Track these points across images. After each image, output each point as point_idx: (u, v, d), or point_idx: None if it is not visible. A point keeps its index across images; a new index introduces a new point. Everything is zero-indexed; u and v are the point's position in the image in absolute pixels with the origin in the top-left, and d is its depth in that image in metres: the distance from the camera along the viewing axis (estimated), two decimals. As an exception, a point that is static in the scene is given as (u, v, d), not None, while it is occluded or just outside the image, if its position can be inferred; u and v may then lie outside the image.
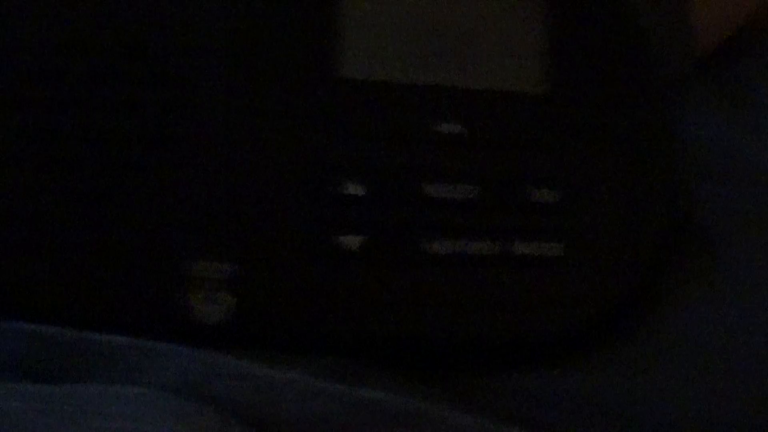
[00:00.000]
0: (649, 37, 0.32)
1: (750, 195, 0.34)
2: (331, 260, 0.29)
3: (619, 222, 0.31)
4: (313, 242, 0.29)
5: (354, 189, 0.29)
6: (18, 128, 0.28)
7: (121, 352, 0.27)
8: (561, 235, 0.30)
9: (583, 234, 0.30)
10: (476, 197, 0.30)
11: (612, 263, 0.31)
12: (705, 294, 0.32)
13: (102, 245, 0.28)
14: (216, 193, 0.28)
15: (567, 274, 0.30)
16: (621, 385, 0.30)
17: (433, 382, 0.30)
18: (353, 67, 0.30)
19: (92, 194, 0.28)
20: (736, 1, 0.38)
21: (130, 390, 0.26)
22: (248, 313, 0.28)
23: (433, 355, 0.30)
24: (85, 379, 0.27)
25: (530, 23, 0.31)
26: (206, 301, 0.28)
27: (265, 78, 0.29)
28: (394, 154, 0.30)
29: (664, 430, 0.30)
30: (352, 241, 0.29)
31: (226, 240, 0.28)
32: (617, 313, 0.31)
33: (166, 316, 0.28)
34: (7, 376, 0.27)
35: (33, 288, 0.28)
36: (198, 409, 0.25)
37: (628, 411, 0.30)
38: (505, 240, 0.30)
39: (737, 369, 0.31)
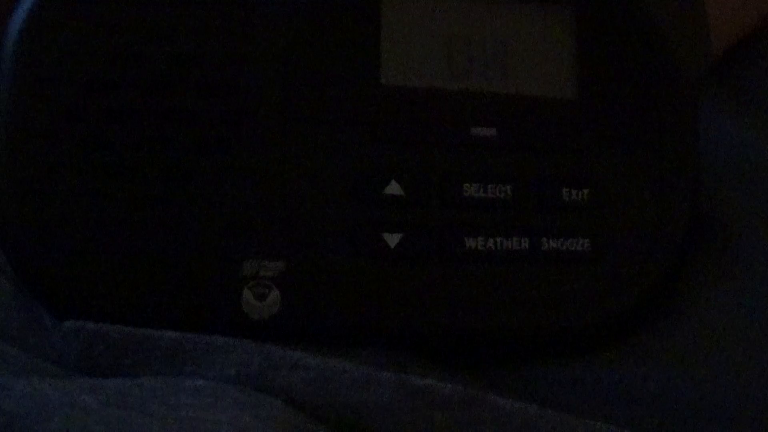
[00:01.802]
0: (671, 42, 0.33)
1: (762, 192, 0.35)
2: (372, 257, 0.30)
3: (646, 219, 0.32)
4: (355, 240, 0.30)
5: (394, 190, 0.30)
6: (78, 138, 0.29)
7: (181, 347, 0.27)
8: (589, 233, 0.31)
9: (611, 231, 0.31)
10: (509, 197, 0.31)
11: (638, 259, 0.31)
12: (723, 286, 0.33)
13: (159, 247, 0.29)
14: (266, 195, 0.29)
15: (595, 269, 0.31)
16: (641, 373, 0.31)
17: (466, 372, 0.31)
18: (393, 74, 0.31)
19: (150, 199, 0.29)
20: (747, 5, 0.39)
21: (191, 382, 0.26)
22: (294, 308, 0.29)
23: (466, 345, 0.31)
24: (146, 374, 0.27)
25: (560, 32, 0.32)
26: (255, 298, 0.29)
27: (312, 86, 0.30)
28: (431, 156, 0.31)
29: (683, 415, 0.31)
30: (391, 238, 0.30)
31: (274, 239, 0.29)
32: (643, 305, 0.32)
33: (218, 313, 0.29)
34: (71, 373, 0.28)
35: (94, 289, 0.28)
36: (260, 398, 0.26)
37: (649, 398, 0.31)
38: (536, 237, 0.31)
39: (756, 357, 0.31)
